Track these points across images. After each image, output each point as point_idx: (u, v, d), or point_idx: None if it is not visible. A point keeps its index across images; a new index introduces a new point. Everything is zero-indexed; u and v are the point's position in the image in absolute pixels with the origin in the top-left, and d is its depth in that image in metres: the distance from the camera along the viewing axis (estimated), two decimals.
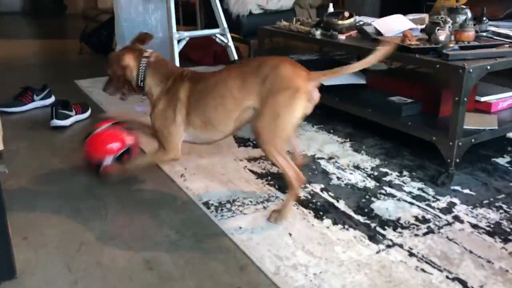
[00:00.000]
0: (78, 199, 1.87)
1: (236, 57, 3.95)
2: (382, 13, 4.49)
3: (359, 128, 2.56)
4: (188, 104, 1.70)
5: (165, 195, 1.92)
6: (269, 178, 2.02)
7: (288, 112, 1.58)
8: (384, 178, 2.02)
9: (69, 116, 2.65)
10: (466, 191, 1.91)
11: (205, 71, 1.95)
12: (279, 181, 1.98)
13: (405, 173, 2.07)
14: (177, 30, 3.68)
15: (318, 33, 2.58)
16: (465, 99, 1.87)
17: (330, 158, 2.22)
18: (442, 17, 2.20)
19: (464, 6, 2.42)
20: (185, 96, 1.70)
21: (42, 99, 2.98)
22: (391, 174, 2.06)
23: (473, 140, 1.98)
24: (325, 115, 2.70)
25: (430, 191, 1.92)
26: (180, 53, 3.40)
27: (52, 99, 3.02)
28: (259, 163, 2.16)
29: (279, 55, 1.75)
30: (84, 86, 3.47)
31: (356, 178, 2.02)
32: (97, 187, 1.96)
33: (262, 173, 2.07)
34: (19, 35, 6.08)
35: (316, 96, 1.65)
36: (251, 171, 2.09)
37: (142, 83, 1.77)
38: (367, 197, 1.87)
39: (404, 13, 2.64)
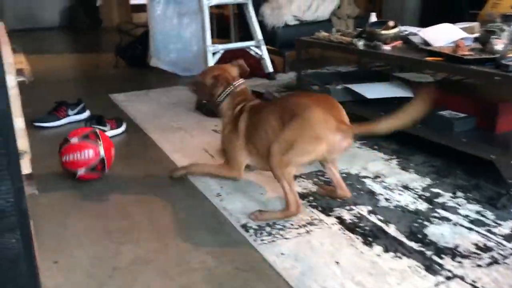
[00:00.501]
0: (110, 219, 1.79)
1: (271, 70, 3.86)
2: (422, 22, 4.32)
3: (405, 144, 2.40)
4: (246, 134, 1.85)
5: (201, 216, 1.81)
6: (311, 198, 1.89)
7: (301, 152, 1.64)
8: (436, 200, 1.86)
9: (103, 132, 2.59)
10: None
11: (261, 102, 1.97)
12: (322, 202, 1.85)
13: (459, 194, 1.90)
14: (212, 43, 3.62)
15: (360, 43, 2.45)
16: None
17: (376, 177, 2.07)
18: (498, 25, 2.04)
19: None
20: (244, 127, 1.85)
21: (76, 113, 2.94)
22: (444, 195, 1.89)
23: None
24: None
25: (489, 214, 1.74)
26: None
27: (86, 114, 2.98)
28: (299, 181, 2.03)
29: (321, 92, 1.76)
30: (119, 100, 3.43)
31: (406, 200, 1.86)
32: (129, 207, 1.87)
33: (304, 193, 1.93)
34: (56, 49, 6.18)
35: (344, 145, 1.67)
36: None
37: (220, 103, 1.93)
38: (419, 221, 1.71)
39: (445, 22, 2.47)
